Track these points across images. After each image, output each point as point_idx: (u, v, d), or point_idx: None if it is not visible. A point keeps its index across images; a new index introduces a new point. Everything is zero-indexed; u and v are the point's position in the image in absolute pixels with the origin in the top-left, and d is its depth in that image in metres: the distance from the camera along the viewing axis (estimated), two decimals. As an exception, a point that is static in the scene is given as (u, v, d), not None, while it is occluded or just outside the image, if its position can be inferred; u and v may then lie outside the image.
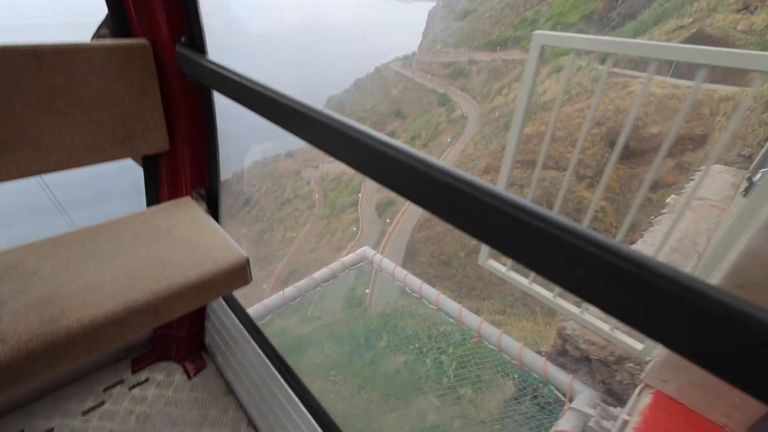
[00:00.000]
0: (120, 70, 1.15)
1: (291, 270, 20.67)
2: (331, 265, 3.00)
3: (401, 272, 2.79)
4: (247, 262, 1.11)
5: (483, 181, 0.50)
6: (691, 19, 16.20)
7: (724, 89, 13.22)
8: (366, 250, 3.05)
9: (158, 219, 1.25)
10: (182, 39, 1.16)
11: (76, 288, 0.96)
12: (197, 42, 1.16)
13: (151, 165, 1.40)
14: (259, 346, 1.34)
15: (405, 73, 28.97)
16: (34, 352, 0.84)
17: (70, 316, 0.88)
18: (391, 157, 0.60)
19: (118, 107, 1.17)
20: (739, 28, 13.84)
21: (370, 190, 22.38)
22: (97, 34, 1.23)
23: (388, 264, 2.89)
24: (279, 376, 1.25)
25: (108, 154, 1.21)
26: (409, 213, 18.71)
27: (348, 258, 3.07)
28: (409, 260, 16.16)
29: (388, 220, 19.19)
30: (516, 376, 2.21)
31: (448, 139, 22.26)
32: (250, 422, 1.40)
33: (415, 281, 2.67)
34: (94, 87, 1.13)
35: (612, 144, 13.91)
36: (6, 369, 0.82)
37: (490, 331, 2.21)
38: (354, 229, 20.19)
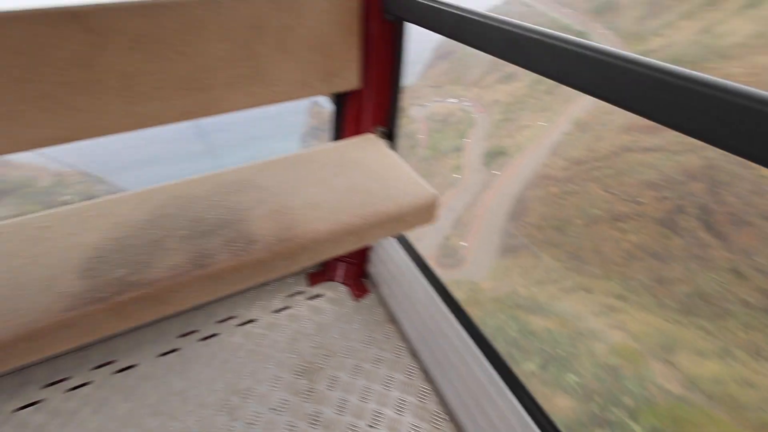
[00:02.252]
0: (330, 10, 1.21)
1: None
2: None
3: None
4: (436, 199, 1.15)
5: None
6: None
7: None
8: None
9: (349, 152, 1.31)
10: None
11: (300, 204, 1.08)
12: None
13: (340, 102, 1.48)
14: (428, 280, 1.33)
15: (536, 6, 25.27)
16: (278, 254, 0.97)
17: (299, 227, 1.01)
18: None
19: (326, 46, 1.25)
20: None
21: (479, 137, 20.95)
22: None
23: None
24: (449, 312, 1.23)
25: (314, 89, 1.30)
26: (521, 166, 17.19)
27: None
28: (513, 219, 15.15)
29: (494, 172, 17.95)
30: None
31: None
32: (414, 353, 1.44)
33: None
34: (310, 26, 1.21)
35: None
36: (257, 264, 0.96)
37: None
38: (455, 176, 19.40)
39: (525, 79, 22.39)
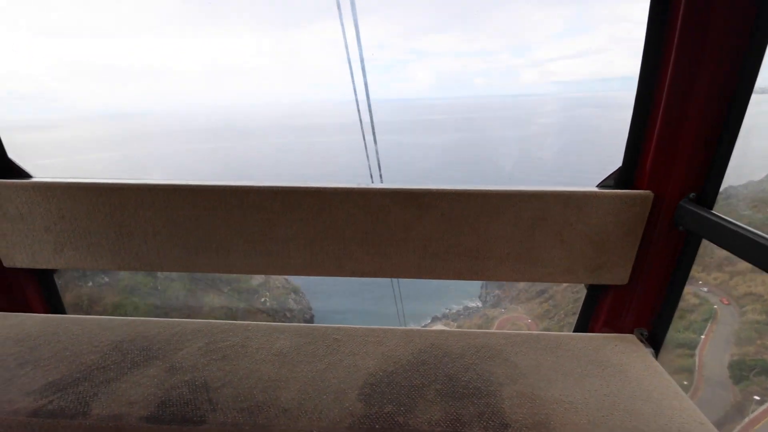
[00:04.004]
0: (616, 213, 1.32)
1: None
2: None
3: None
4: None
5: None
6: None
7: None
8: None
9: (603, 349, 1.31)
10: (690, 195, 1.26)
11: (555, 397, 1.07)
12: (708, 197, 1.23)
13: (596, 292, 1.52)
14: None
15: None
16: None
17: (556, 426, 0.98)
18: None
19: (602, 242, 1.36)
20: None
21: (723, 335, 15.35)
22: (602, 183, 1.42)
23: None
24: None
25: (579, 277, 1.41)
26: (810, 401, 11.03)
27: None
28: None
29: (756, 397, 12.06)
30: None
31: None
32: None
33: None
34: (591, 223, 1.34)
35: None
36: None
37: None
38: (684, 382, 14.15)
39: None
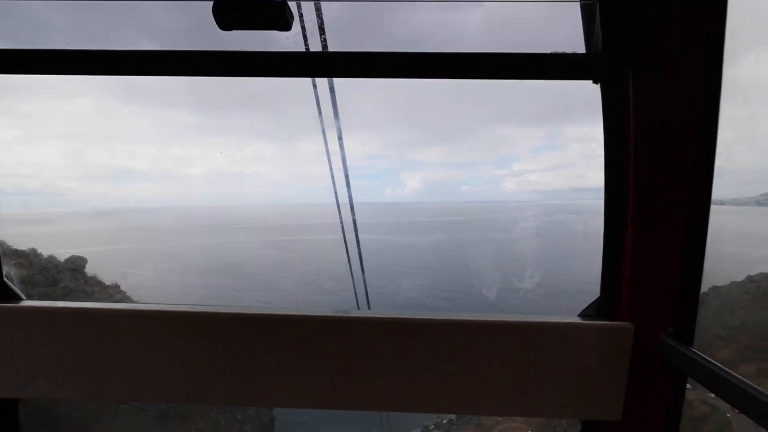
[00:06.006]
0: (597, 345, 1.32)
1: None
2: None
3: None
4: None
5: None
6: None
7: None
8: None
9: None
10: (669, 329, 1.27)
11: None
12: (685, 333, 1.25)
13: (589, 428, 1.49)
14: None
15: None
16: None
17: None
18: None
19: (589, 375, 1.33)
20: None
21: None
22: (584, 312, 1.42)
23: None
24: None
25: (571, 411, 1.39)
26: None
27: None
28: None
29: None
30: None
31: None
32: None
33: None
34: (577, 355, 1.33)
35: None
36: None
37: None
38: None
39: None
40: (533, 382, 1.34)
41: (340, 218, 2.64)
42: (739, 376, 0.96)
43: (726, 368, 1.03)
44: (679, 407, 1.33)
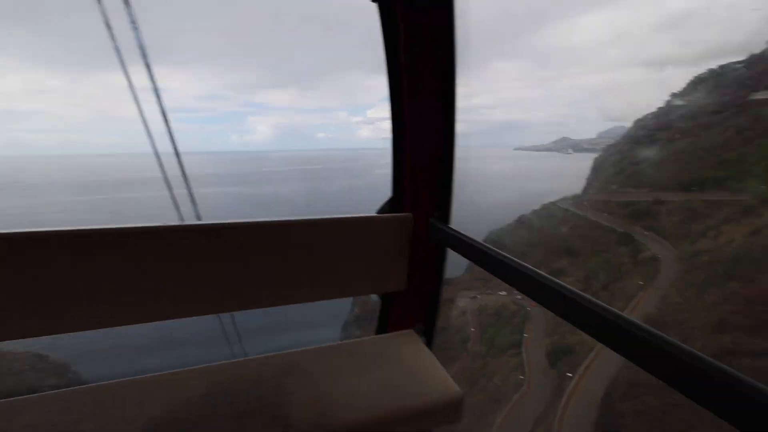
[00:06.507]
0: (390, 234, 1.57)
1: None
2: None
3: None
4: (461, 398, 1.30)
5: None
6: None
7: None
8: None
9: (389, 346, 1.56)
10: (435, 214, 1.61)
11: (337, 394, 1.26)
12: (445, 216, 1.60)
13: (386, 301, 1.76)
14: None
15: (576, 210, 27.91)
16: None
17: (335, 416, 1.16)
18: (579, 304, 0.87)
19: (384, 257, 1.58)
20: None
21: (537, 331, 19.60)
22: (382, 209, 1.68)
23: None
24: None
25: (369, 288, 1.61)
26: (596, 368, 15.10)
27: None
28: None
29: (569, 374, 15.73)
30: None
31: (640, 282, 18.84)
32: None
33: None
34: (373, 244, 1.55)
35: None
36: None
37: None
38: (520, 377, 17.19)
39: (575, 274, 22.42)
40: (340, 270, 1.52)
41: (162, 169, 2.26)
42: (486, 244, 1.22)
43: (477, 240, 1.29)
44: (442, 272, 1.69)
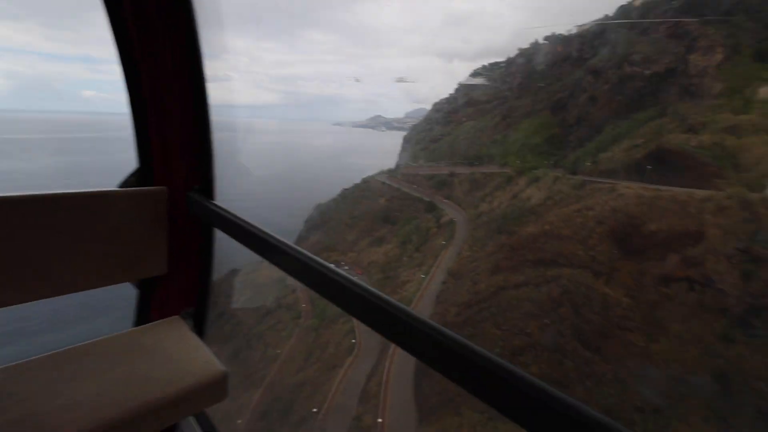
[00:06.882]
0: (137, 211, 1.37)
1: (274, 397, 17.51)
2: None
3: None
4: (225, 375, 1.20)
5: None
6: (642, 140, 19.06)
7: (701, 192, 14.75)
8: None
9: (144, 338, 1.36)
10: (195, 187, 1.45)
11: (52, 408, 1.02)
12: (208, 190, 1.45)
13: (145, 287, 1.54)
14: None
15: (391, 183, 30.80)
16: None
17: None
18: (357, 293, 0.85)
19: (131, 239, 1.37)
20: (692, 144, 16.34)
21: (365, 297, 21.03)
22: (125, 183, 1.44)
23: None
24: None
25: (117, 277, 1.38)
26: (415, 319, 17.30)
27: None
28: (426, 377, 14.28)
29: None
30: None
31: (443, 242, 22.46)
32: None
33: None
34: (117, 223, 1.33)
35: (618, 240, 14.53)
36: None
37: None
38: (352, 341, 18.17)
39: (393, 240, 25.16)
40: (86, 256, 1.28)
41: None
42: (253, 223, 1.14)
43: (241, 217, 1.19)
44: (211, 252, 1.54)
